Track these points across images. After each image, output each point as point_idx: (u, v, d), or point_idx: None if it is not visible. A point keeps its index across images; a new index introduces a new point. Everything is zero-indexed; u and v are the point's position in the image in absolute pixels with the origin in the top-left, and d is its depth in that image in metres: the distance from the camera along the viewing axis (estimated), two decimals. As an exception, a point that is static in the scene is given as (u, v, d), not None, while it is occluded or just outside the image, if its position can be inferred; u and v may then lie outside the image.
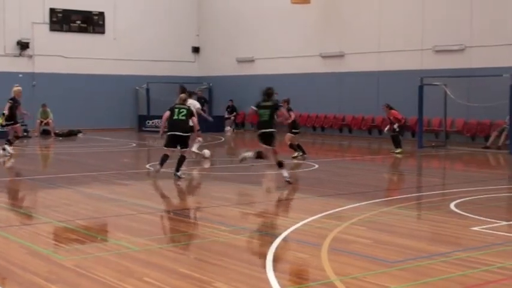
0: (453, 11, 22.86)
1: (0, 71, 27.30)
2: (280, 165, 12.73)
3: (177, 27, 31.95)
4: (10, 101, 18.48)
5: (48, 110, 26.36)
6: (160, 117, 29.27)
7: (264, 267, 6.49)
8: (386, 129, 19.83)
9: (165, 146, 13.65)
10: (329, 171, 15.99)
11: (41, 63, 28.48)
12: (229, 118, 30.26)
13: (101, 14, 30.04)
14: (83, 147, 21.57)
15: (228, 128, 29.58)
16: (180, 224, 8.92)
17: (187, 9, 32.48)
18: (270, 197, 12.08)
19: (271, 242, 7.52)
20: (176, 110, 13.71)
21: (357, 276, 6.20)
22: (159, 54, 31.29)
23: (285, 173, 12.69)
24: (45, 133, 26.42)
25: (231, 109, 30.44)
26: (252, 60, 30.33)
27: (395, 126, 19.04)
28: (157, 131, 28.52)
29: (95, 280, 6.08)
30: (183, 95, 14.37)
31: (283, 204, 11.23)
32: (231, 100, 30.40)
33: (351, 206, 10.22)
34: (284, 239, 7.78)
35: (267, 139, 12.69)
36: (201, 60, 32.98)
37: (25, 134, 25.30)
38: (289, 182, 12.51)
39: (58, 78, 28.60)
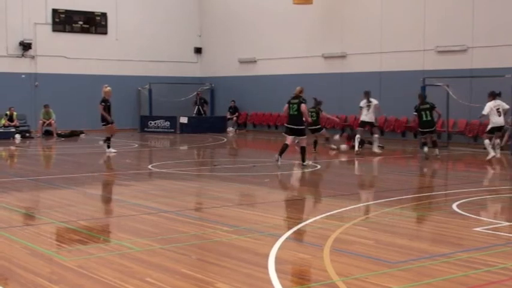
0: (455, 11, 22.83)
1: (3, 72, 27.37)
2: (435, 144, 17.99)
3: (179, 28, 31.97)
4: (102, 104, 18.54)
5: (51, 110, 26.39)
6: (162, 117, 29.67)
7: (266, 267, 6.49)
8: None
9: (285, 133, 15.50)
10: (331, 171, 16.01)
11: (44, 64, 28.49)
12: (231, 119, 30.28)
13: (103, 15, 30.04)
14: (85, 148, 21.60)
15: (230, 129, 29.58)
16: (182, 224, 8.92)
17: (189, 10, 32.49)
18: (272, 197, 12.08)
19: (274, 243, 7.53)
20: (291, 105, 15.22)
21: (359, 276, 6.20)
22: (161, 54, 31.30)
23: (437, 151, 17.70)
24: (48, 134, 26.44)
25: (233, 110, 30.46)
26: (254, 61, 30.32)
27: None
28: (159, 132, 28.95)
29: (97, 281, 6.09)
30: (298, 88, 15.41)
31: (285, 204, 11.22)
32: (233, 101, 30.41)
33: (352, 206, 10.22)
34: (286, 240, 7.78)
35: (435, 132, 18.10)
36: (203, 61, 32.99)
37: (27, 134, 25.37)
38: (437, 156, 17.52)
39: (60, 78, 28.62)
